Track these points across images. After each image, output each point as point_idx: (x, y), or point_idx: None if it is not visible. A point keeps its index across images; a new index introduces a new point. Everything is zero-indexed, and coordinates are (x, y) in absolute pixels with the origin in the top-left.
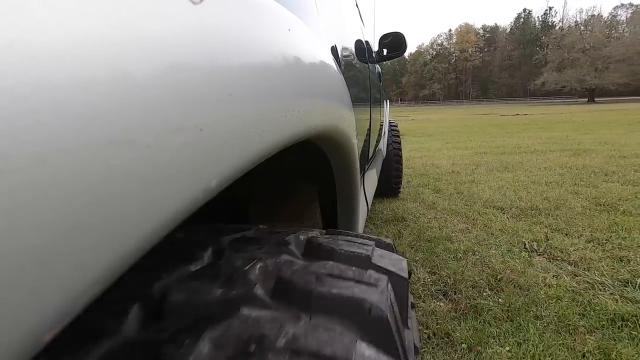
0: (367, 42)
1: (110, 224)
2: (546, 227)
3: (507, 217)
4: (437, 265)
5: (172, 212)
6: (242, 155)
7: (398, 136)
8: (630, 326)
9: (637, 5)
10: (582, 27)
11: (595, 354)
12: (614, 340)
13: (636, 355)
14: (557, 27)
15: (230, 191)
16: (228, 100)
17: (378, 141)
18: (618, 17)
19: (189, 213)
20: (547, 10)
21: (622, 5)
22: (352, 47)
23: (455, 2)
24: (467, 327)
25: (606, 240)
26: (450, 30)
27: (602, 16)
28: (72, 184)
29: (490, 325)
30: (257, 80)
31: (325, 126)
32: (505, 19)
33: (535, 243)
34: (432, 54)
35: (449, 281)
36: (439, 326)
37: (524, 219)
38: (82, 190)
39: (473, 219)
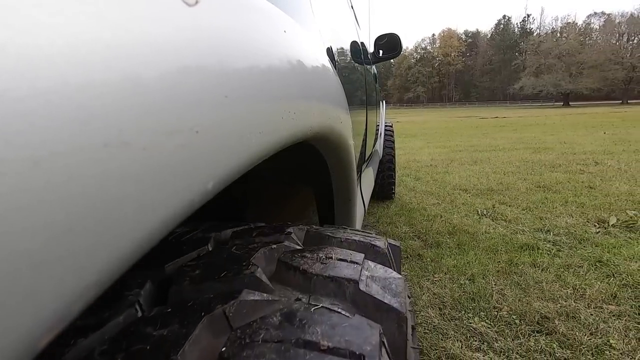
0: (362, 43)
1: (106, 227)
2: (496, 201)
3: (469, 195)
4: (414, 223)
5: (169, 215)
6: (238, 157)
7: (392, 138)
8: (529, 249)
9: (609, 14)
10: (557, 34)
11: (505, 261)
12: (518, 255)
13: (528, 260)
14: (534, 34)
15: (227, 193)
16: (224, 102)
17: (374, 142)
18: (592, 25)
19: (185, 215)
20: (525, 17)
21: (596, 13)
22: (347, 48)
23: (438, 7)
24: (431, 252)
25: (535, 208)
26: (433, 34)
27: (576, 24)
28: (68, 187)
29: (445, 251)
30: (253, 82)
31: (322, 127)
32: (486, 25)
33: (485, 210)
34: (417, 57)
35: (422, 231)
36: (413, 251)
37: (481, 197)
38: (77, 193)
39: (443, 197)
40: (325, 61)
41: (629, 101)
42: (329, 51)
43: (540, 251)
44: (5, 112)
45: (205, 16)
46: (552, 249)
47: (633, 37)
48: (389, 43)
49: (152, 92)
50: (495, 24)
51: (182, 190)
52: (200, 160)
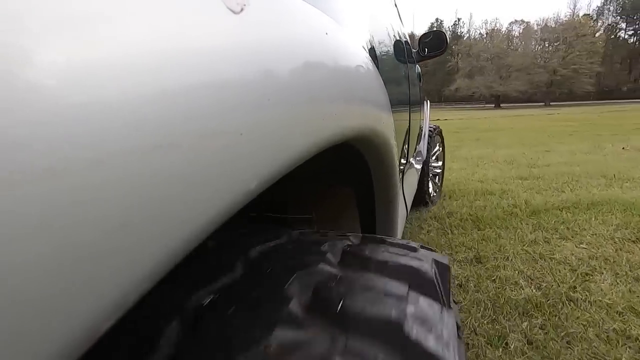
0: (406, 41)
1: (157, 223)
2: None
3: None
4: None
5: (214, 213)
6: (280, 157)
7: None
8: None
9: (528, 22)
10: (487, 38)
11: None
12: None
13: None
14: (464, 37)
15: (269, 194)
16: (267, 105)
17: (418, 142)
18: (513, 32)
19: (230, 214)
20: (456, 21)
21: (516, 21)
22: (390, 47)
23: None
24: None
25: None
26: None
27: (500, 30)
28: (123, 185)
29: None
30: (295, 84)
31: (363, 128)
32: (420, 28)
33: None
34: None
35: None
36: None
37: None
38: (131, 191)
39: None
40: (367, 61)
41: (550, 103)
42: (372, 51)
43: None
44: (70, 117)
45: (249, 22)
46: None
47: (553, 43)
48: (434, 41)
49: (199, 97)
50: (429, 27)
51: (226, 190)
52: (244, 161)
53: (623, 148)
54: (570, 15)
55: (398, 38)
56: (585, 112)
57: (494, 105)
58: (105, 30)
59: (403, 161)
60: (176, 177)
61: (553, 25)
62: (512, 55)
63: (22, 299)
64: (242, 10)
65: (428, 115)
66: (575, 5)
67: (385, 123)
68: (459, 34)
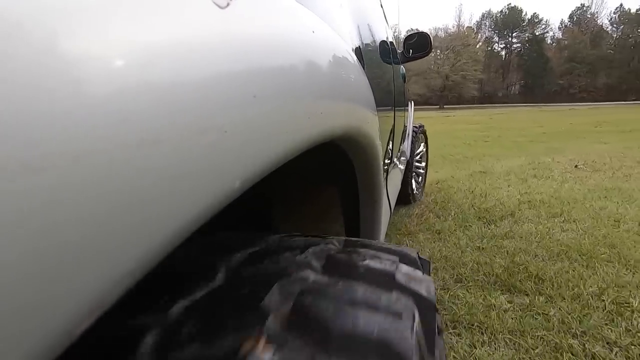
0: (391, 42)
1: (139, 221)
2: None
3: None
4: None
5: (197, 212)
6: (265, 156)
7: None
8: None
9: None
10: None
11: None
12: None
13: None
14: None
15: (254, 191)
16: (252, 102)
17: (402, 142)
18: None
19: (213, 213)
20: None
21: (411, 29)
22: (376, 48)
23: None
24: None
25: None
26: None
27: (399, 36)
28: (103, 182)
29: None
30: (281, 82)
31: (348, 127)
32: None
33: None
34: None
35: None
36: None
37: None
38: (113, 189)
39: None
40: (354, 61)
41: (444, 106)
42: (357, 51)
43: None
44: (48, 111)
45: (235, 18)
46: None
47: (444, 52)
48: (419, 42)
49: (182, 92)
50: None
51: (210, 188)
52: (228, 159)
53: (576, 166)
54: (456, 26)
55: (383, 39)
56: (476, 114)
57: None
58: (87, 24)
59: (387, 161)
60: (158, 175)
61: (443, 35)
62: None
63: None
64: (228, 5)
65: (412, 115)
66: (460, 18)
67: (370, 123)
68: None
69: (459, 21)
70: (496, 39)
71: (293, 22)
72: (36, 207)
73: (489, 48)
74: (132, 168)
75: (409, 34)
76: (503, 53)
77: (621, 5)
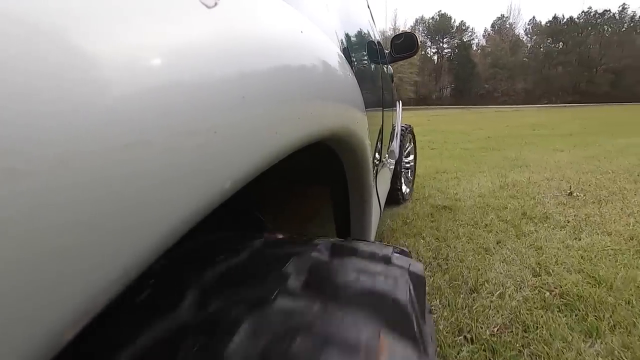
0: (378, 42)
1: (128, 224)
2: None
3: None
4: None
5: (188, 213)
6: (255, 157)
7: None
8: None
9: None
10: None
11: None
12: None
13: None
14: None
15: (245, 191)
16: (241, 103)
17: (391, 142)
18: None
19: (204, 214)
20: None
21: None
22: (364, 48)
23: None
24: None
25: None
26: None
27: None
28: (91, 185)
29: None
30: (270, 82)
31: (338, 128)
32: None
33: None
34: None
35: None
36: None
37: None
38: (100, 191)
39: None
40: (342, 61)
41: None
42: (345, 51)
43: None
44: (34, 113)
45: (223, 18)
46: None
47: None
48: (406, 42)
49: (172, 93)
50: None
51: (200, 189)
52: (218, 160)
53: (570, 193)
54: (392, 30)
55: (371, 39)
56: (414, 115)
57: None
58: (74, 25)
59: (376, 161)
60: (148, 177)
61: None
62: None
63: None
64: (215, 4)
65: (400, 115)
66: (395, 22)
67: (359, 122)
68: None
69: (395, 25)
70: (429, 43)
71: (281, 22)
72: (23, 211)
73: (423, 52)
74: (121, 170)
75: (396, 34)
76: (435, 57)
77: (534, 17)
